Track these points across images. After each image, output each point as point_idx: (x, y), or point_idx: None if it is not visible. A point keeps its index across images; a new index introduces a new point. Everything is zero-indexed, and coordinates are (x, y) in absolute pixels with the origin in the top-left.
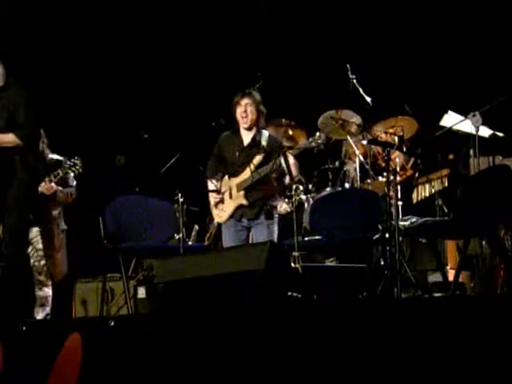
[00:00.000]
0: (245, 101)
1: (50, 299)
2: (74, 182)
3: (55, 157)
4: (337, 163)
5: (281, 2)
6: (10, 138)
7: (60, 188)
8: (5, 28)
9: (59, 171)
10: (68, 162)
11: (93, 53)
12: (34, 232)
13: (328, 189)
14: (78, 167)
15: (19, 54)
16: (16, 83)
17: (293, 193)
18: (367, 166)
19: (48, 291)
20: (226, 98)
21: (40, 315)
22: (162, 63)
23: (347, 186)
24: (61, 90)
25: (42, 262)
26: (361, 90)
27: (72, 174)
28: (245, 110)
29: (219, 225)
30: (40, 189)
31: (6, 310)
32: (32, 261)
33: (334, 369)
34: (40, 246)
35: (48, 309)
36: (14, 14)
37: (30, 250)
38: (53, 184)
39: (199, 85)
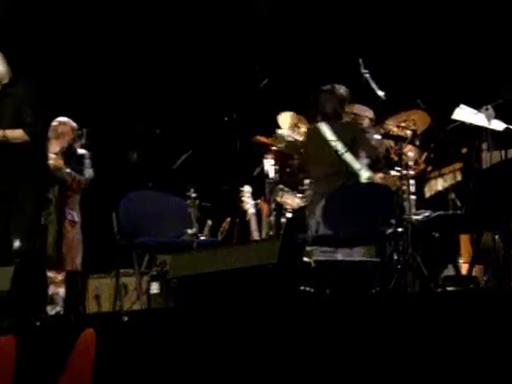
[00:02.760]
0: None
1: (58, 297)
2: (89, 176)
3: (81, 151)
4: None
5: None
6: (18, 134)
7: (68, 170)
8: (12, 22)
9: (64, 143)
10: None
11: (105, 48)
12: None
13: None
14: (82, 138)
15: (29, 48)
16: (23, 80)
17: (305, 187)
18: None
19: (56, 289)
20: (237, 93)
21: (50, 313)
22: (174, 58)
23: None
24: (74, 85)
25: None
26: (373, 85)
27: (91, 170)
28: None
29: (233, 220)
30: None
31: (19, 305)
32: None
33: (347, 363)
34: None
35: (57, 308)
36: (22, 6)
37: None
38: (60, 160)
39: (211, 80)
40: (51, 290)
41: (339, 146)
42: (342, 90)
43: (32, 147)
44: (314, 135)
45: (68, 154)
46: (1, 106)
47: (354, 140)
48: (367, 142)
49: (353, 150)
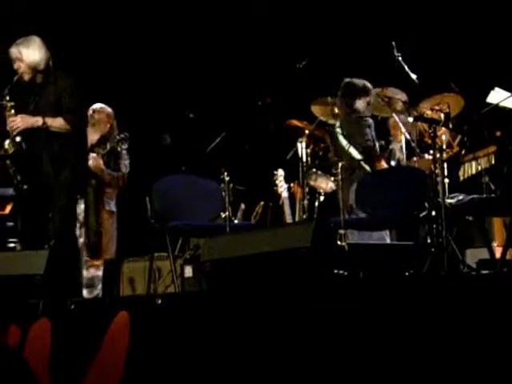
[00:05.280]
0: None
1: (97, 280)
2: (126, 169)
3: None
4: (383, 141)
5: None
6: (59, 123)
7: (109, 170)
8: (49, 13)
9: (107, 144)
10: (116, 137)
11: (138, 33)
12: (82, 208)
13: None
14: (125, 141)
15: (66, 36)
16: (62, 70)
17: (338, 171)
18: (413, 144)
19: (94, 272)
20: (271, 77)
21: (87, 297)
22: (209, 41)
23: (393, 163)
24: (107, 69)
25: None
26: (406, 68)
27: (127, 162)
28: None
29: (266, 204)
30: (88, 163)
31: (54, 288)
32: (81, 240)
33: (383, 346)
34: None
35: (96, 291)
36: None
37: (78, 226)
38: (100, 161)
39: (245, 64)
40: (90, 273)
41: (344, 143)
42: (356, 84)
43: (70, 134)
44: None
45: (106, 144)
46: (42, 94)
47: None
48: (360, 137)
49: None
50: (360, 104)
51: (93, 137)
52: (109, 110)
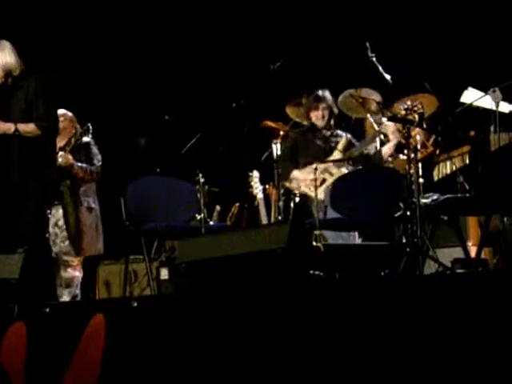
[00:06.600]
0: (322, 105)
1: (76, 281)
2: (99, 163)
3: (85, 139)
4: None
5: None
6: (31, 129)
7: (79, 164)
8: (23, 13)
9: (71, 139)
10: (79, 130)
11: (114, 35)
12: (60, 213)
13: (349, 167)
14: (87, 132)
15: (42, 37)
16: (35, 73)
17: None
18: None
19: (73, 272)
20: (245, 78)
21: (66, 297)
22: (182, 44)
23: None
24: (82, 71)
25: (67, 243)
26: (380, 68)
27: (99, 156)
28: (322, 115)
29: (241, 205)
30: (58, 162)
31: (29, 292)
32: (58, 241)
33: (358, 347)
34: (64, 226)
35: (74, 290)
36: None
37: (57, 231)
38: (69, 156)
39: (219, 66)
40: (69, 273)
41: None
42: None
43: (43, 140)
44: None
45: (76, 146)
46: (12, 99)
47: None
48: None
49: None
50: (313, 115)
51: (60, 143)
52: (70, 114)
